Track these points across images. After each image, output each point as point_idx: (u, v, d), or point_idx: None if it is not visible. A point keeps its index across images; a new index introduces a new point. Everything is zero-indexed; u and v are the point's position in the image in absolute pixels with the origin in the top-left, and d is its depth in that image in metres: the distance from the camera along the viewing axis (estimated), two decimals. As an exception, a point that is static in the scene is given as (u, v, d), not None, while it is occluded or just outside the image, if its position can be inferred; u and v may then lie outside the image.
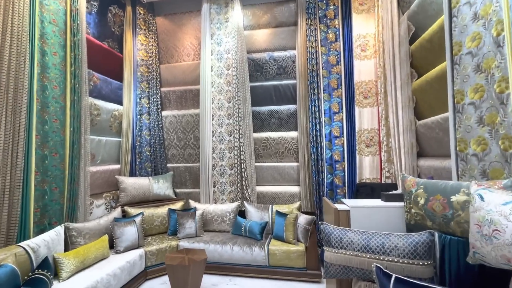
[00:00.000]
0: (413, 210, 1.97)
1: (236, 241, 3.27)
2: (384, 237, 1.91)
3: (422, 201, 1.89)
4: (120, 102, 4.03)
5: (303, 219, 3.27)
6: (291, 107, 4.08)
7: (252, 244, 3.18)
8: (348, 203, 2.37)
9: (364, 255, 1.89)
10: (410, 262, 1.76)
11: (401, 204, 2.22)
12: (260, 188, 4.09)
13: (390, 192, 2.48)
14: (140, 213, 3.45)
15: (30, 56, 2.42)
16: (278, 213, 3.43)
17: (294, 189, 3.99)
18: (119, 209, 3.43)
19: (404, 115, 3.06)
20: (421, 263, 1.75)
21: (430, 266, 1.76)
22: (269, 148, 4.12)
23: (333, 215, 2.34)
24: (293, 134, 4.05)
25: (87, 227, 2.82)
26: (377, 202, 2.43)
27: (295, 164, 4.03)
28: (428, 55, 2.64)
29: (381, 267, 1.66)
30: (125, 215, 3.51)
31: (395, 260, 1.79)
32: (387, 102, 3.49)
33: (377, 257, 1.85)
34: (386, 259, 1.82)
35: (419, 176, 2.91)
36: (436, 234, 1.79)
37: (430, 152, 2.77)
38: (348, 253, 1.97)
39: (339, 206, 2.34)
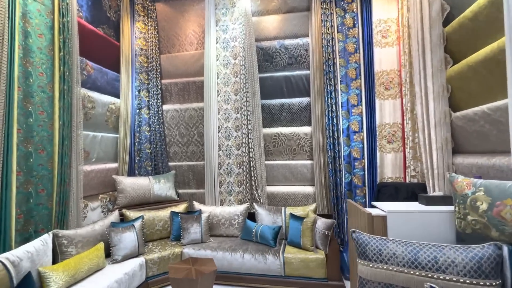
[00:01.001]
0: (469, 217, 1.64)
1: (247, 248, 2.94)
2: (436, 250, 1.58)
3: (484, 207, 1.55)
4: (117, 95, 3.68)
5: (321, 223, 2.93)
6: (304, 100, 3.73)
7: (265, 252, 2.85)
8: (383, 207, 2.03)
9: (412, 272, 1.56)
10: (474, 282, 1.43)
11: (448, 208, 1.88)
12: (271, 188, 3.75)
13: (432, 194, 2.15)
14: (140, 216, 3.11)
15: (9, 36, 2.07)
16: (293, 216, 3.10)
17: (308, 189, 3.66)
18: (116, 213, 3.09)
19: (436, 107, 2.71)
20: (487, 283, 1.41)
21: (498, 287, 1.43)
22: (280, 144, 3.78)
23: (365, 221, 2.00)
24: (306, 129, 3.71)
25: (80, 234, 2.49)
26: (415, 205, 2.10)
27: (309, 162, 3.69)
28: (470, 36, 2.30)
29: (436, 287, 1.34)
30: (123, 218, 3.17)
31: (454, 279, 1.46)
32: (413, 93, 3.15)
33: (429, 275, 1.52)
34: (441, 277, 1.49)
35: (454, 175, 2.57)
36: (506, 248, 1.45)
37: (470, 148, 2.43)
38: (390, 268, 1.63)
39: (373, 211, 2.01)
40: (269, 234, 3.04)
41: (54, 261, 2.24)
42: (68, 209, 2.57)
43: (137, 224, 2.92)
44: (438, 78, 2.69)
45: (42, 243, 2.12)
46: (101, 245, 2.52)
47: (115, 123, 3.63)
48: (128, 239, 2.72)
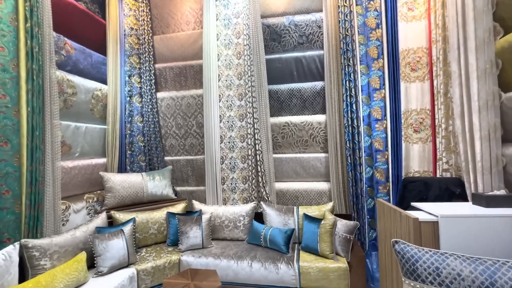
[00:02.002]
0: None
1: (255, 255, 2.53)
2: (521, 271, 1.15)
3: None
4: (103, 80, 3.22)
5: (342, 225, 2.52)
6: (317, 84, 3.28)
7: (277, 259, 2.44)
8: (429, 209, 1.61)
9: (488, 301, 1.14)
10: None
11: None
12: (279, 185, 3.33)
13: (493, 193, 1.72)
14: (131, 219, 2.69)
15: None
16: (308, 217, 2.68)
17: (322, 186, 3.23)
18: (103, 215, 2.67)
19: (481, 87, 2.26)
20: None
21: None
22: (289, 135, 3.34)
23: (408, 227, 1.58)
24: (319, 117, 3.26)
25: (57, 243, 2.07)
26: (471, 208, 1.67)
27: (323, 155, 3.26)
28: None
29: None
30: (112, 221, 2.76)
31: (556, 315, 1.04)
32: (448, 73, 2.70)
33: (516, 307, 1.10)
34: (536, 312, 1.07)
35: (504, 169, 2.14)
36: None
37: (527, 135, 2.00)
38: (456, 295, 1.22)
39: (418, 215, 1.58)
40: (280, 238, 2.63)
41: (22, 279, 1.83)
42: (43, 213, 2.15)
43: (127, 228, 2.51)
44: (484, 52, 2.23)
45: (4, 258, 1.70)
46: (82, 256, 2.11)
47: (102, 113, 3.19)
48: (116, 246, 2.31)
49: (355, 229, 2.47)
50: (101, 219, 2.60)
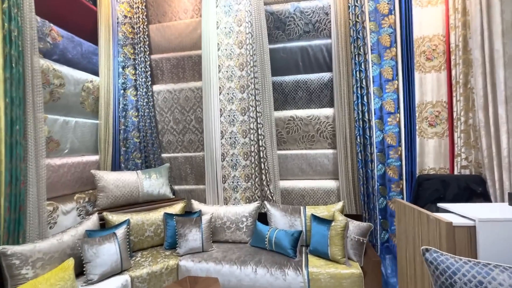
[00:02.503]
0: None
1: (260, 259, 2.33)
2: None
3: None
4: (95, 71, 3.00)
5: (354, 227, 2.32)
6: (325, 75, 3.06)
7: (283, 264, 2.24)
8: (465, 212, 1.40)
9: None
10: None
11: None
12: (284, 184, 3.13)
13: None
14: (125, 221, 2.49)
15: None
16: (316, 218, 2.48)
17: (330, 184, 3.03)
18: (94, 217, 2.46)
19: (508, 75, 2.06)
20: None
21: None
22: (295, 130, 3.13)
23: (438, 232, 1.37)
24: (327, 111, 3.05)
25: (41, 249, 1.86)
26: (510, 209, 1.47)
27: (331, 151, 3.05)
28: None
29: None
30: (104, 223, 2.55)
31: None
32: (468, 61, 2.48)
33: None
34: None
35: (535, 165, 1.94)
36: None
37: None
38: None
39: (450, 218, 1.38)
40: (287, 241, 2.43)
41: (-1, 290, 1.63)
42: (25, 216, 1.94)
43: (121, 231, 2.30)
44: (513, 36, 2.02)
45: (-23, 268, 1.49)
46: (69, 263, 1.90)
47: (93, 106, 2.97)
48: (107, 252, 2.11)
49: (369, 231, 2.27)
50: (92, 222, 2.39)
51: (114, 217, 2.57)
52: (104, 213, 2.57)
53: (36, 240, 1.98)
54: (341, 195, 2.90)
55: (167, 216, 2.73)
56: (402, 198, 2.75)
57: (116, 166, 3.12)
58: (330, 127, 3.04)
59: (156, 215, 2.75)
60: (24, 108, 1.96)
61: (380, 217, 2.78)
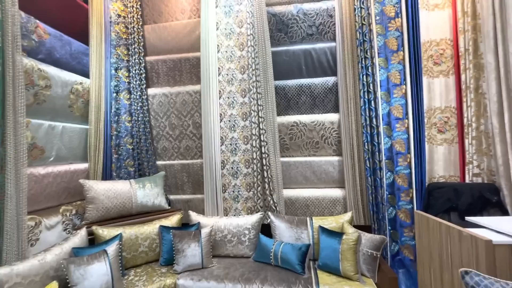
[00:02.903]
0: None
1: (266, 277, 2.14)
2: None
3: None
4: (85, 73, 2.79)
5: (366, 240, 2.17)
6: (329, 79, 2.94)
7: (292, 282, 2.06)
8: (506, 228, 1.27)
9: None
10: None
11: None
12: (287, 192, 2.96)
13: None
14: (117, 236, 2.27)
15: None
16: (325, 231, 2.32)
17: (335, 193, 2.89)
18: (83, 232, 2.23)
19: (525, 80, 1.98)
20: None
21: None
22: (298, 137, 2.98)
23: (474, 251, 1.23)
24: (332, 117, 2.93)
25: (18, 272, 1.63)
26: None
27: (336, 158, 2.92)
28: None
29: None
30: (94, 238, 2.32)
31: None
32: (479, 66, 2.41)
33: None
34: None
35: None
36: None
37: None
38: None
39: (486, 235, 1.24)
40: (294, 256, 2.26)
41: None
42: (2, 233, 1.71)
43: (112, 247, 2.07)
44: (529, 39, 1.95)
45: None
46: (53, 287, 1.67)
47: (83, 110, 2.75)
48: (97, 272, 1.88)
49: (382, 244, 2.12)
50: (79, 237, 2.16)
51: (104, 232, 2.34)
52: (94, 227, 2.34)
53: (14, 261, 1.74)
54: (348, 204, 2.76)
55: (163, 229, 2.51)
56: (412, 208, 2.62)
57: (107, 175, 2.89)
58: (335, 133, 2.91)
59: (151, 228, 2.54)
60: (2, 112, 1.74)
61: (389, 227, 2.65)
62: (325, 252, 2.22)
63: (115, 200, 2.57)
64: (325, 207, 2.89)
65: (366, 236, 2.19)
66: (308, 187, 3.00)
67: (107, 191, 2.55)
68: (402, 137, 2.68)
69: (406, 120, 2.68)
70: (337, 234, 2.22)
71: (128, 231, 2.43)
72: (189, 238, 2.39)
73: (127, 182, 2.72)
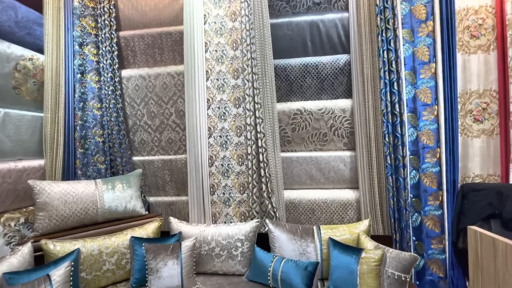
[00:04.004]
0: None
1: (262, 306, 1.66)
2: None
3: None
4: (38, 47, 2.25)
5: (390, 259, 1.69)
6: (340, 58, 2.43)
7: (296, 314, 1.58)
8: None
9: None
10: None
11: None
12: (288, 194, 2.48)
13: None
14: (72, 252, 1.78)
15: None
16: (337, 245, 1.83)
17: (347, 195, 2.40)
18: (26, 248, 1.73)
19: None
20: None
21: None
22: (302, 127, 2.48)
23: None
24: (343, 103, 2.42)
25: None
26: None
27: (348, 153, 2.42)
28: None
29: None
30: (43, 255, 1.82)
31: None
32: (535, 36, 1.90)
33: None
34: None
35: None
36: None
37: None
38: None
39: None
40: (298, 277, 1.77)
41: None
42: None
43: (59, 271, 1.58)
44: None
45: None
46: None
47: (35, 94, 2.22)
48: (34, 307, 1.38)
49: (413, 265, 1.64)
50: (19, 257, 1.65)
51: (57, 247, 1.84)
52: (43, 241, 1.84)
53: None
54: (362, 209, 2.27)
55: (135, 241, 2.02)
56: (442, 214, 2.14)
57: (70, 174, 2.38)
58: (346, 123, 2.41)
59: (120, 240, 2.04)
60: None
61: (414, 238, 2.17)
62: (338, 273, 1.74)
63: (75, 205, 2.05)
64: (334, 212, 2.41)
65: (391, 254, 1.70)
66: (313, 188, 2.52)
67: (64, 194, 2.04)
68: (430, 127, 2.18)
69: (436, 106, 2.18)
70: (354, 251, 1.73)
71: (90, 245, 1.93)
72: (165, 254, 1.90)
73: (92, 182, 2.20)
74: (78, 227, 2.09)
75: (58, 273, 1.56)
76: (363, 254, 1.68)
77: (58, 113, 2.30)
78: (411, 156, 2.20)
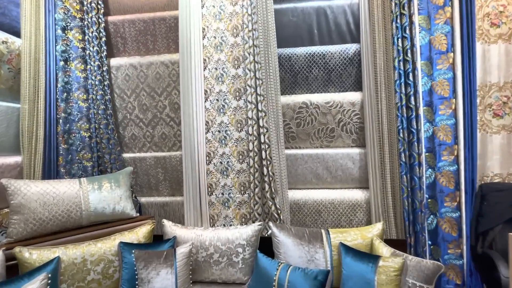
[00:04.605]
0: None
1: (268, 321, 1.47)
2: None
3: None
4: (14, 30, 2.01)
5: (412, 268, 1.52)
6: (349, 47, 2.24)
7: (306, 331, 1.39)
8: None
9: None
10: None
11: None
12: (293, 194, 2.29)
13: None
14: (52, 261, 1.56)
15: None
16: (350, 251, 1.66)
17: (355, 195, 2.23)
18: (-4, 258, 1.50)
19: None
20: None
21: None
22: (308, 122, 2.29)
23: None
24: (352, 96, 2.24)
25: None
26: None
27: (357, 150, 2.25)
28: None
29: None
30: (17, 264, 1.59)
31: None
32: None
33: None
34: None
35: None
36: None
37: None
38: None
39: None
40: (306, 287, 1.59)
41: None
42: None
43: (35, 284, 1.36)
44: None
45: None
46: None
47: (10, 82, 1.98)
48: (0, 330, 1.16)
49: (437, 275, 1.47)
50: (-13, 267, 1.43)
51: (33, 255, 1.62)
52: (17, 249, 1.61)
53: None
54: (373, 210, 2.10)
55: (124, 247, 1.80)
56: (460, 216, 1.98)
57: (51, 172, 2.14)
58: (356, 118, 2.23)
59: (107, 246, 1.82)
60: None
61: (429, 243, 2.01)
62: (352, 283, 1.56)
63: (55, 207, 1.83)
64: (342, 213, 2.23)
65: (411, 261, 1.53)
66: (319, 187, 2.34)
67: (43, 194, 1.81)
68: (447, 122, 2.02)
69: (454, 100, 2.01)
70: (370, 259, 1.56)
71: (72, 252, 1.71)
72: (158, 262, 1.69)
73: (75, 181, 1.97)
74: (59, 231, 1.87)
75: (34, 285, 1.34)
76: (380, 262, 1.50)
77: (38, 104, 2.06)
78: (426, 154, 2.03)
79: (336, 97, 2.25)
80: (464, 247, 1.95)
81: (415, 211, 1.97)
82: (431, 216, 2.03)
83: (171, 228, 2.04)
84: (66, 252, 1.69)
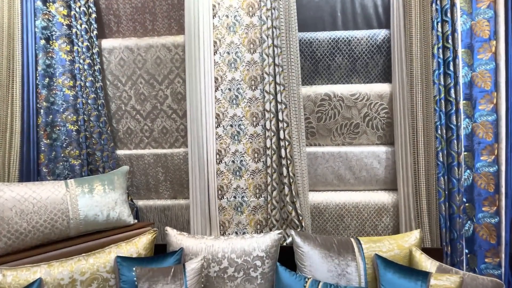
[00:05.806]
0: None
1: None
2: None
3: None
4: (-18, -3, 1.64)
5: (466, 285, 1.30)
6: (378, 33, 2.00)
7: None
8: None
9: None
10: None
11: None
12: (312, 197, 2.05)
13: None
14: (31, 284, 1.26)
15: None
16: (391, 265, 1.44)
17: (381, 198, 2.01)
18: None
19: None
20: None
21: None
22: (330, 116, 2.05)
23: None
24: (381, 88, 2.01)
25: None
26: None
27: (383, 148, 2.03)
28: None
29: None
30: (-12, 290, 1.28)
31: None
32: None
33: None
34: None
35: None
36: None
37: None
38: None
39: None
40: (343, 309, 1.35)
41: None
42: None
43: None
44: None
45: None
46: None
47: (-22, 62, 1.61)
48: None
49: (498, 295, 1.27)
50: None
51: (8, 277, 1.31)
52: (-13, 270, 1.29)
53: None
54: (402, 215, 1.89)
55: (122, 262, 1.51)
56: (499, 222, 1.81)
57: (31, 172, 1.81)
58: (383, 112, 2.01)
59: (101, 261, 1.52)
60: None
61: (467, 251, 1.82)
62: (397, 304, 1.34)
63: (36, 216, 1.50)
64: (366, 218, 2.01)
65: (466, 278, 1.32)
66: (341, 189, 2.11)
67: (20, 201, 1.48)
68: (488, 118, 1.82)
69: (495, 93, 1.81)
70: (418, 276, 1.34)
71: (58, 271, 1.40)
72: (165, 282, 1.42)
73: (61, 183, 1.65)
74: (42, 245, 1.55)
75: (5, 326, 1.04)
76: (432, 281, 1.28)
77: (13, 90, 1.72)
78: (464, 153, 1.83)
79: (363, 89, 2.01)
80: (503, 256, 1.78)
81: (452, 217, 1.77)
82: (468, 221, 1.84)
83: (176, 237, 1.76)
84: (50, 271, 1.39)
